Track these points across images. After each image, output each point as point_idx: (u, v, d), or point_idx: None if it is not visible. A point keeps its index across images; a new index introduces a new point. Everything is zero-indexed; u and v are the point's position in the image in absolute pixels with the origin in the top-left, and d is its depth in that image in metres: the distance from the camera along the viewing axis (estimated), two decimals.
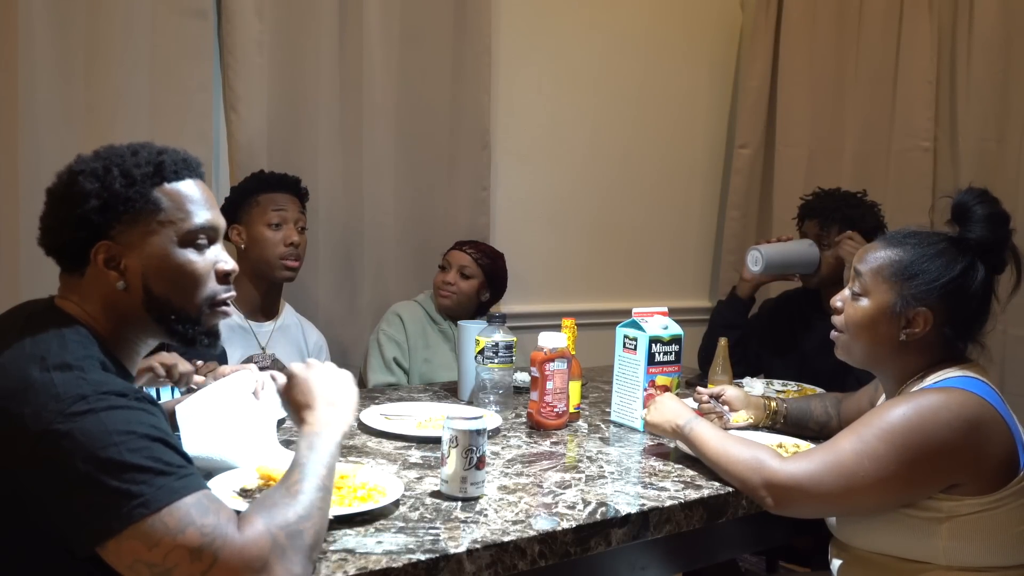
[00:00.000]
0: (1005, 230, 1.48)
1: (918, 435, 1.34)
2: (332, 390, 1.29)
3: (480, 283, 2.62)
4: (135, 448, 0.98)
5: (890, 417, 1.37)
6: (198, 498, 1.00)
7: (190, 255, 1.18)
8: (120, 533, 0.96)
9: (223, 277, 1.22)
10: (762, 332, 2.58)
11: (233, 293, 1.26)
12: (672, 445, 1.77)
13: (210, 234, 1.21)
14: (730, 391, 1.88)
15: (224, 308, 1.23)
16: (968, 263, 1.45)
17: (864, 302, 1.50)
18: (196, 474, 1.03)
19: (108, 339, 1.14)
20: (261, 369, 1.50)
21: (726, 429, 1.77)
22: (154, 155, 1.17)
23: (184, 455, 1.05)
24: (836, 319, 1.57)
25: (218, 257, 1.22)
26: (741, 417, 1.80)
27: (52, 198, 1.17)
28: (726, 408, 1.84)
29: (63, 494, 0.97)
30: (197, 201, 1.19)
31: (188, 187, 1.19)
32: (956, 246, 1.47)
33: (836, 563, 1.54)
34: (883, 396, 1.66)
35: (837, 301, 1.56)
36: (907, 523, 1.39)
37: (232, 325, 2.29)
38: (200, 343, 1.22)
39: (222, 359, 2.05)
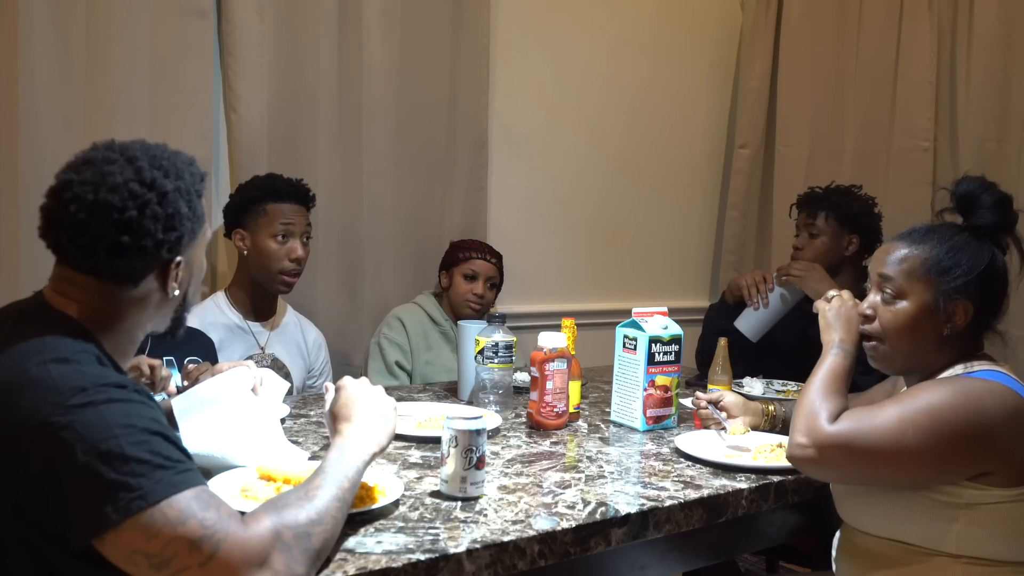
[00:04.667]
0: (1012, 212, 1.51)
1: (963, 414, 1.34)
2: (373, 410, 1.31)
3: (499, 288, 2.68)
4: (135, 441, 0.98)
5: (935, 396, 1.37)
6: (198, 493, 1.00)
7: (204, 257, 1.27)
8: (118, 525, 0.95)
9: None
10: None
11: None
12: (672, 445, 1.77)
13: None
14: (728, 397, 1.86)
15: None
16: (991, 249, 1.47)
17: (902, 304, 1.46)
18: (194, 470, 1.03)
19: (103, 336, 1.14)
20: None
21: (723, 439, 1.78)
22: (197, 170, 1.20)
23: (183, 450, 1.05)
24: (869, 328, 1.51)
25: None
26: (738, 429, 1.78)
27: (111, 221, 1.08)
28: (723, 415, 1.82)
29: (62, 486, 0.97)
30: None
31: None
32: (975, 234, 1.48)
33: (839, 556, 1.55)
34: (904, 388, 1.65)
35: (867, 310, 1.51)
36: (925, 505, 1.38)
37: (231, 326, 2.29)
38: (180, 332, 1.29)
39: (213, 359, 2.05)
